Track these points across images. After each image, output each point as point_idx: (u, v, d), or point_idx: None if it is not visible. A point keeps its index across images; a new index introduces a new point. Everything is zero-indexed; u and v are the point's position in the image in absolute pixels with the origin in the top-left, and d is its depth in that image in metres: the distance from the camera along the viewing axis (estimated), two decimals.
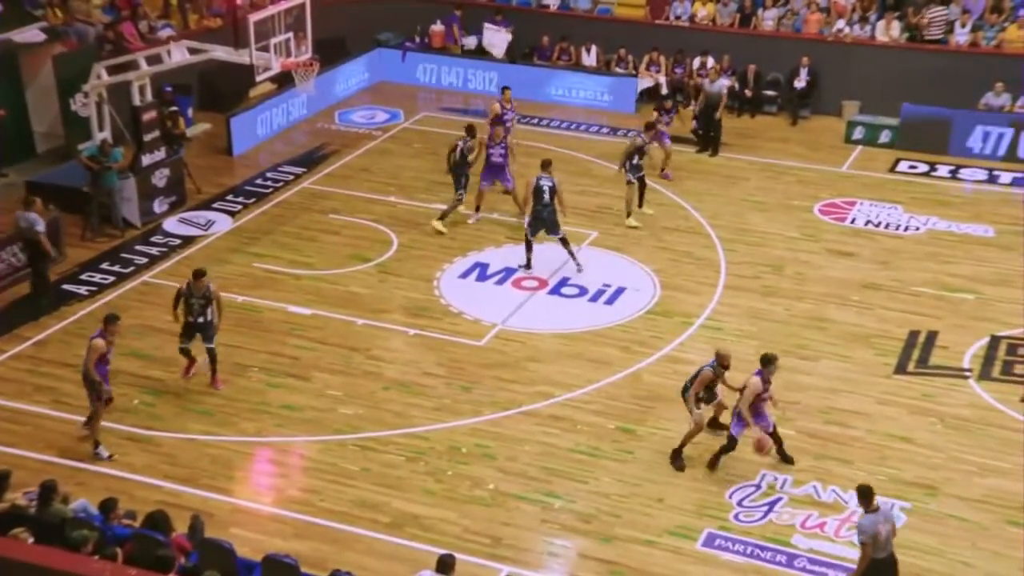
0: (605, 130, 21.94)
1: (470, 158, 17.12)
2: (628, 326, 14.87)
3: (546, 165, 16.05)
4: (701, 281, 16.06)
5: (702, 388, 11.97)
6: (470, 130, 17.36)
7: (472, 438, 12.52)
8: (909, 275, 16.32)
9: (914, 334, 14.76)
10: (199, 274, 12.96)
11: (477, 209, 17.75)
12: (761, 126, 22.07)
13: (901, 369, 14.02)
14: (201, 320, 12.96)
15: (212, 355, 13.20)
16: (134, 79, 17.01)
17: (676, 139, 20.86)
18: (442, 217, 17.27)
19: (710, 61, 22.85)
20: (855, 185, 19.49)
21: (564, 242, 15.96)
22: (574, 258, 16.06)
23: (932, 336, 14.71)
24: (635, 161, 17.45)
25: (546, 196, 15.70)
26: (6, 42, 18.53)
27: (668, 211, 18.27)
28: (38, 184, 17.77)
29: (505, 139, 17.69)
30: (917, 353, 14.36)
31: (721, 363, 11.91)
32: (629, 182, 17.52)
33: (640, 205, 17.82)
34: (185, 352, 13.28)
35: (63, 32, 19.80)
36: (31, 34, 18.97)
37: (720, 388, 12.19)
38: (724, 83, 20.83)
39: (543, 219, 15.84)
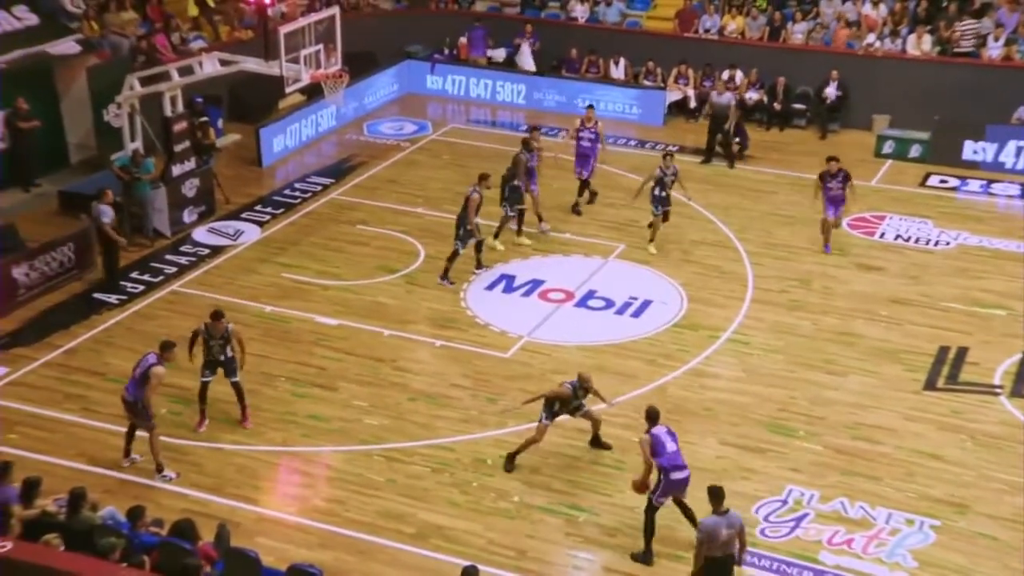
0: (633, 143, 21.94)
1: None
2: (654, 339, 14.85)
3: (483, 179, 16.11)
4: (728, 295, 16.02)
5: (556, 401, 11.94)
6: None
7: (497, 450, 12.53)
8: (939, 290, 16.20)
9: (944, 350, 14.64)
10: (217, 315, 12.58)
11: (540, 219, 17.66)
12: (790, 139, 22.00)
13: (930, 385, 13.91)
14: (222, 357, 12.63)
15: (238, 390, 12.80)
16: (166, 90, 17.21)
17: (704, 152, 20.89)
18: (496, 235, 17.20)
19: (739, 75, 22.85)
20: (885, 199, 19.38)
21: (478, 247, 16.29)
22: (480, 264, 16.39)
23: (962, 352, 14.59)
24: (657, 193, 17.10)
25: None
26: (41, 54, 18.79)
27: (696, 224, 18.23)
28: (70, 194, 18.07)
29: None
30: (947, 369, 14.24)
31: (583, 386, 11.87)
32: (655, 215, 17.18)
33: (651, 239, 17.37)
34: (203, 396, 12.80)
35: (97, 44, 20.08)
36: (66, 46, 19.24)
37: (594, 409, 12.15)
38: (731, 96, 20.79)
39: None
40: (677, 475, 10.71)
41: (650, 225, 17.28)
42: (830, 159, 17.26)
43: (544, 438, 12.08)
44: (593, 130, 18.44)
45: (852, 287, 16.30)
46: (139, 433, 12.09)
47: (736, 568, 10.04)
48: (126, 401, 11.92)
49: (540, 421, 12.04)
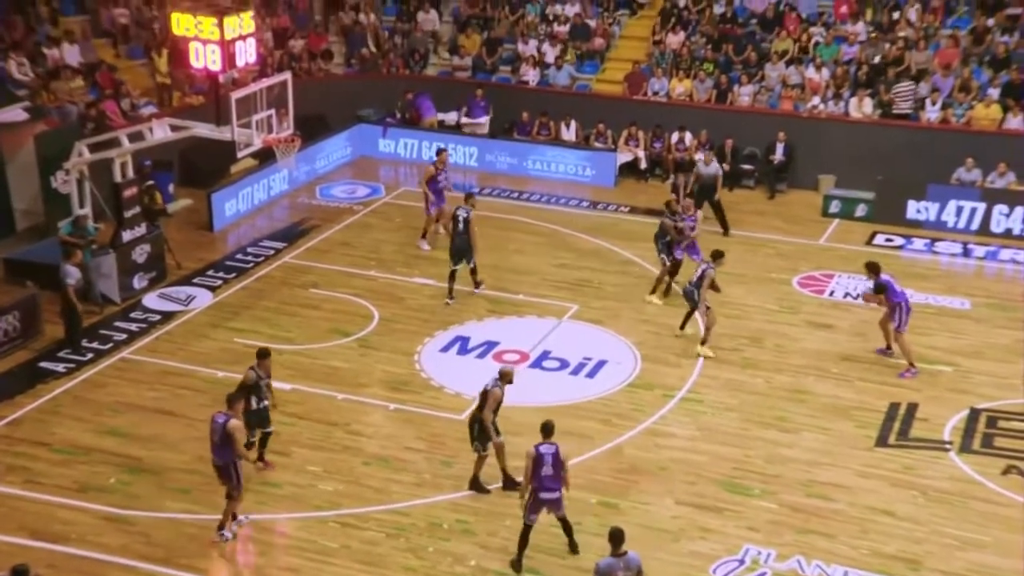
0: (585, 204, 22.23)
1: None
2: (609, 399, 14.94)
3: (468, 198, 17.44)
4: (681, 354, 16.18)
5: (496, 407, 12.32)
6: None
7: (453, 513, 12.49)
8: None
9: (894, 406, 14.88)
10: (264, 354, 12.80)
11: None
12: (739, 199, 22.43)
13: (882, 442, 14.11)
14: (264, 404, 12.77)
15: (267, 438, 13.11)
16: (116, 156, 17.19)
17: (655, 212, 21.22)
18: (654, 291, 17.52)
19: (688, 136, 23.33)
20: (833, 258, 19.78)
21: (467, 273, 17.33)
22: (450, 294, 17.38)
23: (912, 408, 14.84)
24: (667, 240, 17.64)
25: (460, 225, 17.11)
26: None
27: (647, 283, 18.44)
28: (16, 261, 17.89)
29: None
30: (898, 425, 14.47)
31: (504, 380, 12.49)
32: (663, 263, 17.71)
33: (665, 292, 17.76)
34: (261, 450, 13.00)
35: (46, 111, 20.04)
36: (13, 113, 19.20)
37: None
38: (717, 166, 21.02)
39: (458, 247, 17.27)
40: (546, 495, 11.34)
41: (663, 282, 17.55)
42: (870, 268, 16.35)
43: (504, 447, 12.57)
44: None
45: (803, 344, 16.55)
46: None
47: None
48: (217, 467, 11.79)
49: (493, 438, 12.44)
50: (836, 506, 12.80)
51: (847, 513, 12.68)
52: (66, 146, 17.79)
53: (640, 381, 15.41)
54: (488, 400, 12.47)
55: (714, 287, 16.18)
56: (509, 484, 12.76)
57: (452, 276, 17.45)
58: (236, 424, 11.64)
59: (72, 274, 15.66)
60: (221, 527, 11.97)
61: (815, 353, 16.28)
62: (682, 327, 16.59)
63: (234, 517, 12.07)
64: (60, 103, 20.55)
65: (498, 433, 12.57)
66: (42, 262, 17.24)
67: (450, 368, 15.63)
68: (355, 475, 13.19)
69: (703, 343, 16.13)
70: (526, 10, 26.78)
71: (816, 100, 23.23)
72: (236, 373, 15.24)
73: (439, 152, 19.93)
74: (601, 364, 15.83)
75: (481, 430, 12.62)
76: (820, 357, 16.15)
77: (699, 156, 21.84)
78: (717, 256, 16.25)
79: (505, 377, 12.65)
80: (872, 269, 16.07)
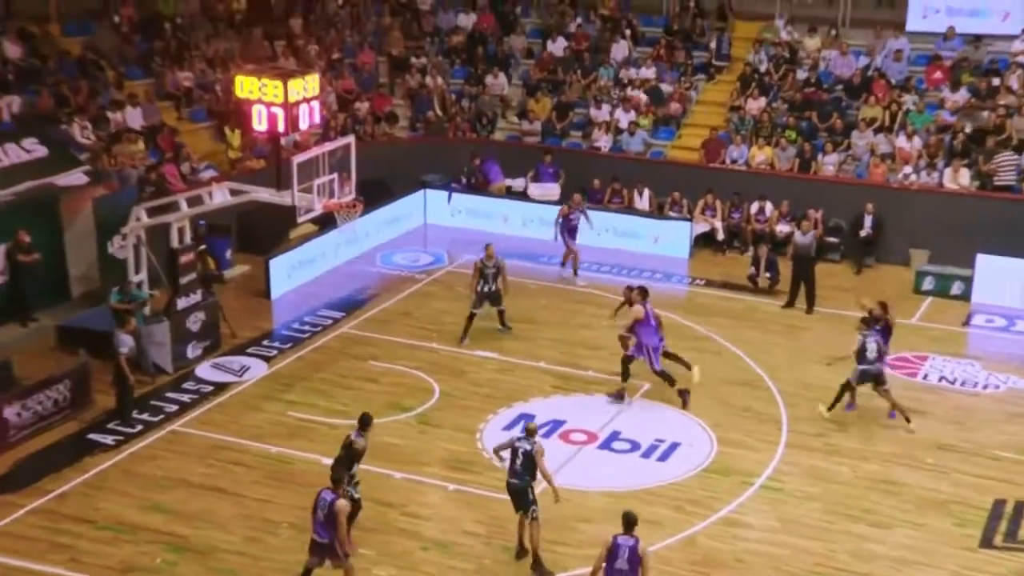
0: (659, 276, 22.11)
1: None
2: (682, 485, 14.67)
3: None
4: (761, 437, 15.87)
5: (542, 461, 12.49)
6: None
7: None
8: (988, 437, 15.98)
9: (1000, 503, 14.33)
10: (366, 422, 13.08)
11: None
12: (823, 274, 22.06)
13: (987, 542, 13.54)
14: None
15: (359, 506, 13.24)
16: (173, 221, 17.51)
17: (732, 286, 21.00)
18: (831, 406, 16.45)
19: (768, 206, 23.16)
20: (926, 338, 19.34)
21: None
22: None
23: (1021, 507, 14.26)
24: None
25: (490, 277, 18.44)
26: (48, 186, 19.17)
27: (724, 362, 18.20)
28: (69, 328, 18.19)
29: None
30: (1005, 525, 13.90)
31: (530, 436, 12.63)
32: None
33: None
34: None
35: (105, 175, 20.52)
36: (74, 177, 19.62)
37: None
38: (813, 236, 20.67)
39: (485, 295, 18.44)
40: None
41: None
42: (882, 306, 16.80)
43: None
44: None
45: (894, 431, 16.10)
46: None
47: None
48: (319, 544, 11.82)
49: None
50: None
51: None
52: (124, 210, 18.10)
53: (716, 466, 15.12)
54: (537, 458, 12.52)
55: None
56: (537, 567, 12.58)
57: (471, 319, 18.44)
58: (344, 505, 11.63)
59: (125, 343, 15.90)
60: None
61: (907, 441, 15.83)
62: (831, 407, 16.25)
63: None
64: (120, 167, 21.06)
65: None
66: (96, 329, 17.47)
67: None
68: (412, 560, 13.04)
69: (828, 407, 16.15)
70: (599, 73, 26.99)
71: (907, 170, 22.95)
72: (289, 448, 15.31)
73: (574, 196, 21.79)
74: (674, 447, 15.58)
75: (515, 494, 12.67)
76: (912, 445, 15.69)
77: (782, 227, 21.65)
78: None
79: (531, 433, 12.76)
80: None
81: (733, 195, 23.47)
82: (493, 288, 18.60)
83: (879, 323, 16.50)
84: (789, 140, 24.23)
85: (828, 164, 23.70)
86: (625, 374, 16.76)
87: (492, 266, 18.62)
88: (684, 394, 16.64)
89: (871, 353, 15.89)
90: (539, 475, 12.56)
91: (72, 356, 16.95)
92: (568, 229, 21.60)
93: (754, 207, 23.32)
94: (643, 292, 16.93)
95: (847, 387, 16.22)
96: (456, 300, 20.71)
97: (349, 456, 12.89)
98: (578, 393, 17.15)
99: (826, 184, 23.41)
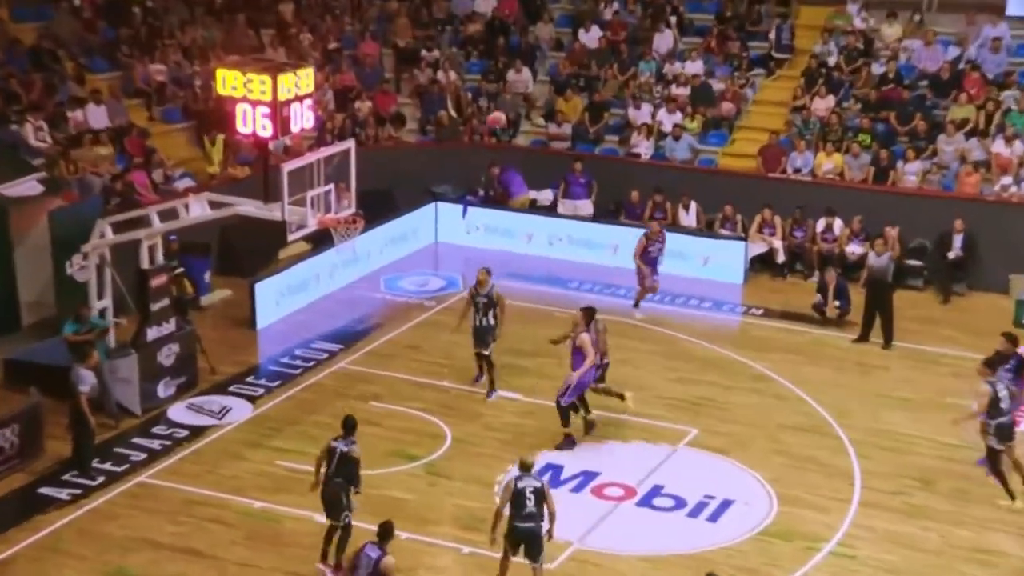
0: (708, 304, 22.14)
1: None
2: (736, 550, 14.66)
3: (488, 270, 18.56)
4: (829, 495, 15.85)
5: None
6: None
7: None
8: None
9: None
10: (527, 466, 13.40)
11: None
12: (903, 303, 22.04)
13: None
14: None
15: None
16: (144, 237, 17.59)
17: (794, 316, 20.99)
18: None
19: (838, 223, 23.18)
20: None
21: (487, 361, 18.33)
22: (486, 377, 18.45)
23: None
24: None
25: (482, 309, 18.17)
26: None
27: (785, 405, 18.19)
28: (18, 363, 18.26)
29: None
30: None
31: (526, 469, 13.26)
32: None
33: None
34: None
35: (64, 184, 20.63)
36: (26, 187, 19.73)
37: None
38: (889, 257, 20.65)
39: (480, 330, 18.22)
40: None
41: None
42: (1007, 338, 16.61)
43: None
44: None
45: (989, 490, 16.02)
46: None
47: None
48: None
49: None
50: None
51: None
52: (86, 225, 18.08)
53: (776, 528, 15.09)
54: (547, 494, 13.20)
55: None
56: None
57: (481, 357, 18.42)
58: (392, 563, 11.83)
59: (86, 379, 15.89)
60: None
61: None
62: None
63: None
64: (81, 174, 21.26)
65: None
66: (50, 364, 17.56)
67: None
68: None
69: None
70: (639, 69, 27.16)
71: (1006, 180, 22.93)
72: (275, 503, 15.38)
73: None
74: (726, 504, 15.58)
75: (532, 539, 13.16)
76: (1014, 508, 15.60)
77: (853, 247, 21.64)
78: None
79: (528, 468, 13.31)
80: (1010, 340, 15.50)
81: (795, 210, 23.50)
82: (484, 323, 18.22)
83: (1007, 361, 16.09)
84: (863, 146, 24.28)
85: (909, 174, 23.72)
86: (576, 408, 16.81)
87: (484, 295, 18.32)
88: (568, 440, 16.70)
89: (1005, 402, 15.32)
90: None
91: (22, 395, 17.03)
92: (647, 262, 21.50)
93: (820, 224, 23.35)
94: (589, 314, 16.87)
95: (993, 456, 15.47)
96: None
97: (349, 471, 13.36)
98: (612, 440, 17.18)
99: (907, 197, 23.43)
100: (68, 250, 19.06)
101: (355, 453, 13.68)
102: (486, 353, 18.34)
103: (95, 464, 16.24)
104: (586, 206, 24.92)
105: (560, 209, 25.09)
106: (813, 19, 27.52)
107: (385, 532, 12.17)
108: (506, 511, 13.17)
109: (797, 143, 24.65)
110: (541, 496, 13.05)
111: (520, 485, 13.06)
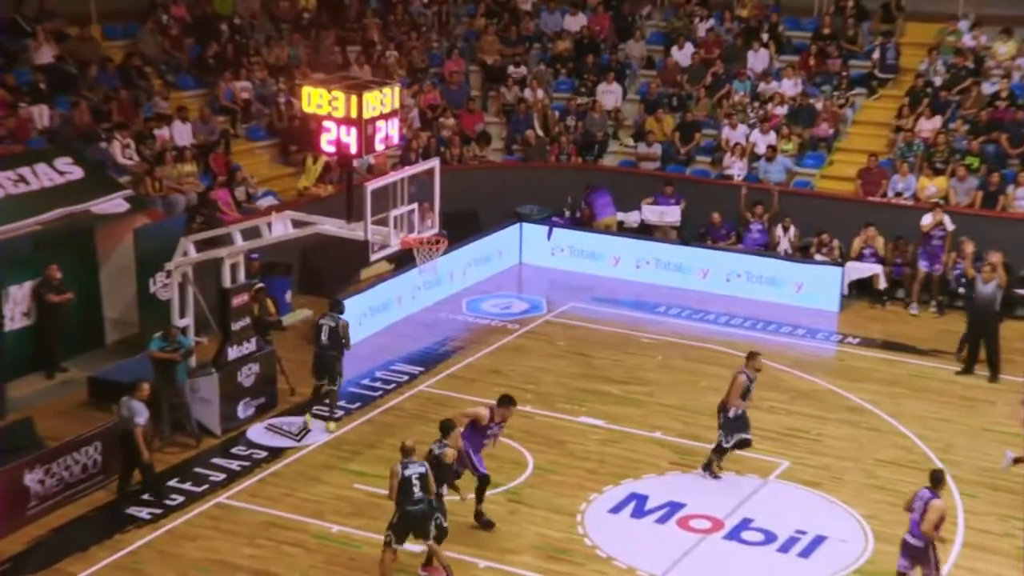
0: (801, 331, 21.98)
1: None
2: None
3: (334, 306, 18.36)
4: None
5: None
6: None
7: None
8: None
9: None
10: (408, 451, 13.82)
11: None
12: (1013, 334, 21.68)
13: None
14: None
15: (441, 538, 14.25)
16: (226, 256, 17.90)
17: (894, 346, 20.74)
18: None
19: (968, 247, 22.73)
20: None
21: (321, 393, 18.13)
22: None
23: None
24: (731, 415, 16.44)
25: (323, 337, 17.90)
26: (83, 214, 19.53)
27: (883, 440, 17.98)
28: (102, 381, 18.58)
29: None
30: None
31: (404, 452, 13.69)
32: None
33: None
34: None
35: (149, 202, 21.04)
36: (113, 204, 19.97)
37: None
38: (996, 285, 20.23)
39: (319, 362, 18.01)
40: None
41: None
42: None
43: None
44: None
45: None
46: None
47: None
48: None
49: None
50: None
51: None
52: (170, 243, 18.32)
53: (873, 567, 14.90)
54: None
55: None
56: None
57: (326, 393, 18.16)
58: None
59: (141, 412, 15.78)
60: None
61: None
62: None
63: None
64: (167, 192, 21.71)
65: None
66: (133, 382, 17.88)
67: (622, 534, 15.49)
68: None
69: None
70: (732, 87, 27.13)
71: None
72: (353, 527, 15.54)
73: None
74: (819, 540, 15.43)
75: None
76: None
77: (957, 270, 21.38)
78: None
79: (407, 453, 13.82)
80: None
81: (897, 236, 23.21)
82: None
83: None
84: (970, 169, 23.97)
85: (1020, 199, 23.36)
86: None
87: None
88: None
89: None
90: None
91: (105, 413, 17.23)
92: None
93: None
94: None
95: None
96: (556, 356, 20.89)
97: (443, 473, 14.07)
98: (699, 470, 17.10)
99: (1017, 223, 23.07)
100: (152, 268, 19.36)
101: (447, 458, 14.22)
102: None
103: (174, 483, 16.50)
104: (673, 211, 24.92)
105: (645, 214, 25.09)
106: (920, 36, 27.27)
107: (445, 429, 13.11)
108: None
109: (899, 166, 24.40)
110: (426, 480, 13.78)
111: (407, 473, 13.71)
